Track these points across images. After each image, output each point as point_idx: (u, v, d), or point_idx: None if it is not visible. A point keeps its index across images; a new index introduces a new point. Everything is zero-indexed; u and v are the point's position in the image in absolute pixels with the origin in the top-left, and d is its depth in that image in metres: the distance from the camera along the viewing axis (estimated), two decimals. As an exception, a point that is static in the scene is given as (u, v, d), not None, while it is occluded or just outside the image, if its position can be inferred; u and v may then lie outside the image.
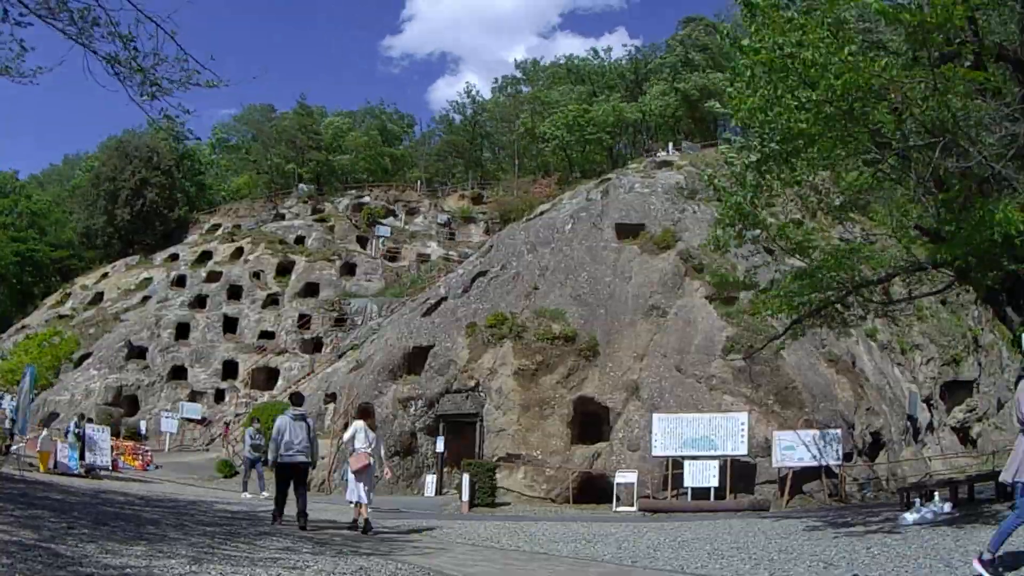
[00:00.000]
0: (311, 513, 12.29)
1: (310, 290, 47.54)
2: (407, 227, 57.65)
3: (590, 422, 23.72)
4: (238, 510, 15.84)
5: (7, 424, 21.06)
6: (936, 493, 15.00)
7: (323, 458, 26.37)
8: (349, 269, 49.79)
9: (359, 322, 43.42)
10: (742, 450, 20.28)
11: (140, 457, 28.90)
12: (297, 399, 13.29)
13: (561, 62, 71.50)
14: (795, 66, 10.44)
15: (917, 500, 14.55)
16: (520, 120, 62.41)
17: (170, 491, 20.46)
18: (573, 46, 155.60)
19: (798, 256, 14.90)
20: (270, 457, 12.55)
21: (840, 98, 10.45)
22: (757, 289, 16.27)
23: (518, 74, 75.50)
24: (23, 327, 49.75)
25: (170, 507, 14.55)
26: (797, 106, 10.87)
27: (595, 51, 71.49)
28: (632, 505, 20.07)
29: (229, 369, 42.24)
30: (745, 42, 11.07)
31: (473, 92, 74.94)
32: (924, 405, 26.75)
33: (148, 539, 8.66)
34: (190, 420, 38.04)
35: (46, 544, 7.12)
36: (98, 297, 51.20)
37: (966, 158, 11.31)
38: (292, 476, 12.39)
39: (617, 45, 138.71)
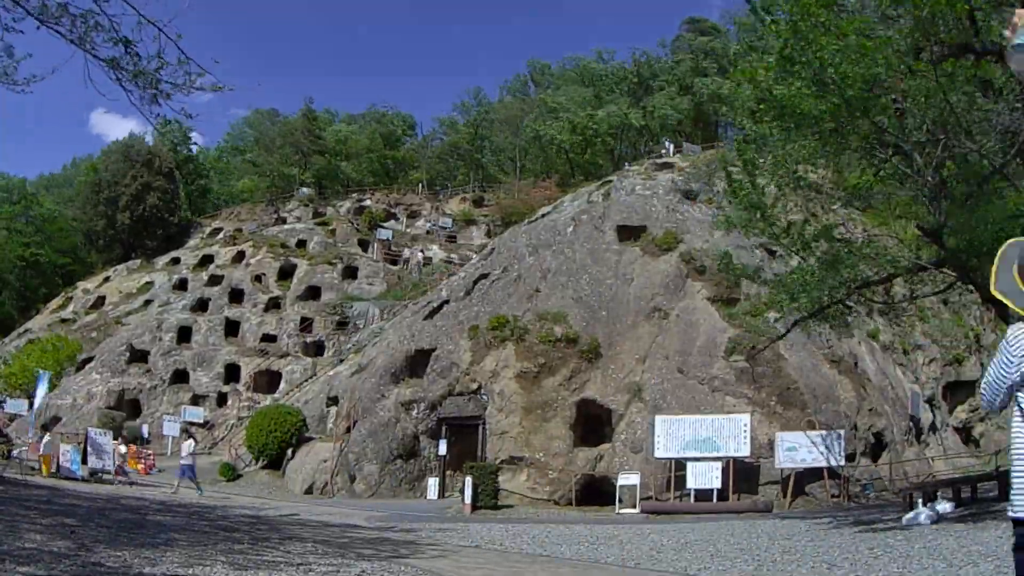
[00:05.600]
0: (327, 517, 12.35)
1: (312, 293, 47.55)
2: (408, 230, 57.68)
3: (592, 424, 23.70)
4: (264, 515, 15.86)
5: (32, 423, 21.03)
6: (939, 493, 15.00)
7: (324, 461, 26.41)
8: (351, 272, 49.78)
9: (361, 325, 43.43)
10: (744, 451, 20.26)
11: (143, 461, 28.90)
12: None
13: (568, 66, 71.27)
14: (801, 54, 10.48)
15: (920, 500, 14.54)
16: (527, 123, 62.26)
17: (176, 495, 20.44)
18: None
19: (802, 255, 14.90)
20: None
21: (844, 85, 10.48)
22: (760, 282, 16.26)
23: (527, 74, 75.48)
24: (25, 331, 49.79)
25: (190, 512, 14.54)
26: (804, 92, 10.94)
27: (599, 54, 71.29)
28: (635, 507, 20.05)
29: (231, 373, 42.19)
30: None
31: (480, 94, 75.17)
32: (926, 405, 26.70)
33: (180, 546, 8.64)
34: (192, 424, 38.03)
35: (81, 552, 7.09)
36: (100, 301, 51.21)
37: (967, 155, 11.33)
38: None
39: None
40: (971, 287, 14.79)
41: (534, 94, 70.86)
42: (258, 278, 48.25)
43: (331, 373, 35.61)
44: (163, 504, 16.09)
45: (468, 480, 20.68)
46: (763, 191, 14.05)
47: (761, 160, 13.60)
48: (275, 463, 28.27)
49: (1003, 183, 12.05)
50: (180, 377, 41.81)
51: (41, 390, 20.93)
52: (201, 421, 38.32)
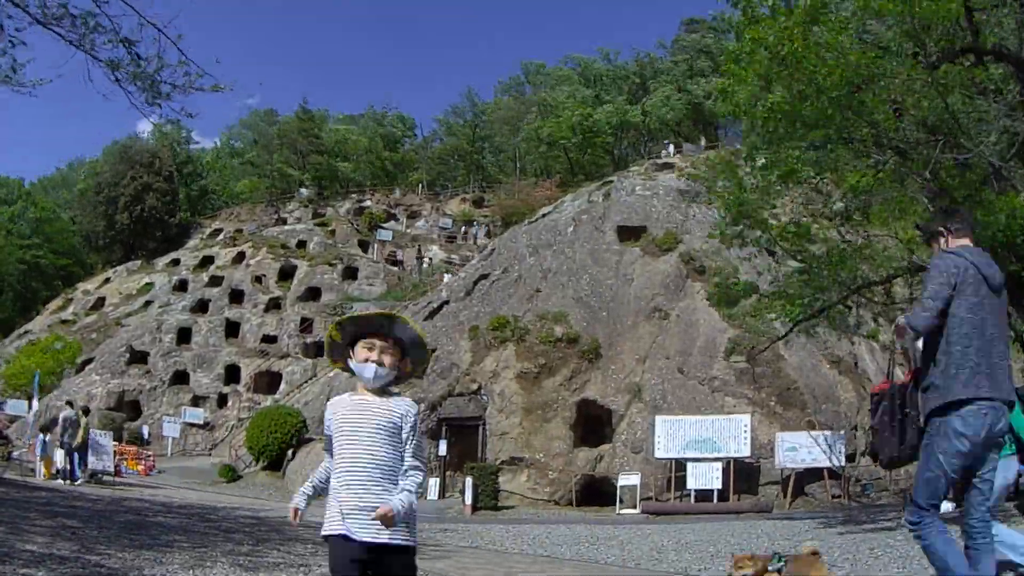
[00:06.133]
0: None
1: (312, 294, 47.58)
2: (408, 231, 57.71)
3: (593, 424, 23.71)
4: (264, 516, 15.84)
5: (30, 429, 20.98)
6: (939, 493, 14.95)
7: (326, 462, 26.41)
8: (351, 273, 49.82)
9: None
10: (745, 452, 20.28)
11: (143, 462, 28.88)
12: None
13: (567, 66, 71.08)
14: (791, 56, 10.46)
15: (920, 501, 14.52)
16: (525, 122, 62.18)
17: (179, 497, 20.44)
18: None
19: (799, 258, 14.90)
20: None
21: (838, 84, 10.45)
22: (759, 294, 16.26)
23: (521, 75, 75.40)
24: (25, 332, 49.80)
25: (192, 514, 14.52)
26: (793, 95, 10.91)
27: (605, 54, 71.08)
28: (635, 507, 20.06)
29: (231, 374, 42.20)
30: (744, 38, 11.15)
31: (473, 95, 75.08)
32: (927, 406, 26.69)
33: (182, 547, 8.63)
34: (192, 425, 38.07)
35: (83, 555, 7.06)
36: (100, 302, 51.24)
37: (965, 155, 11.31)
38: None
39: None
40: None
41: (530, 92, 70.69)
42: (258, 279, 48.28)
43: (331, 374, 35.59)
44: (166, 506, 16.09)
45: (468, 480, 20.69)
46: (759, 189, 14.03)
47: (753, 160, 13.59)
48: (275, 464, 28.26)
49: (1004, 181, 12.05)
50: (180, 378, 41.82)
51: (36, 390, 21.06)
52: (201, 422, 38.35)
